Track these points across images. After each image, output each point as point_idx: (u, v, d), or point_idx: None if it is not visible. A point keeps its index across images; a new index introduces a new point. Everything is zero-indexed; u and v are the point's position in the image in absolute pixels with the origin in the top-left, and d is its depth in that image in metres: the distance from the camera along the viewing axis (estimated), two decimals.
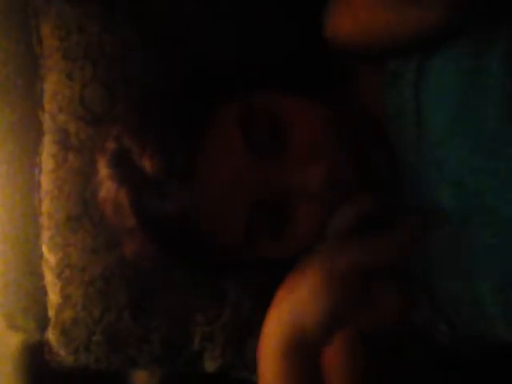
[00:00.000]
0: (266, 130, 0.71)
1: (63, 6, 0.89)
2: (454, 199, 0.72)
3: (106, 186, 0.74)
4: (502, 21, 0.72)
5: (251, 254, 0.75)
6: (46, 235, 0.91)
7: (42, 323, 0.95)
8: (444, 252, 0.72)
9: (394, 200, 0.74)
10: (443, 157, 0.72)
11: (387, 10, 0.72)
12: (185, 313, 0.89)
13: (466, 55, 0.72)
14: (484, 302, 0.70)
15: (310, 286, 0.69)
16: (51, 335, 0.92)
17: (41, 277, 0.93)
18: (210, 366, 0.90)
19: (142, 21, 0.87)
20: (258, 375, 0.74)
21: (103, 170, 0.75)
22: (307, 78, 0.80)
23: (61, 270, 0.90)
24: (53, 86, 0.90)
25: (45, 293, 0.93)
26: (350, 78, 0.82)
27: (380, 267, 0.69)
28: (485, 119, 0.70)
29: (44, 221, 0.91)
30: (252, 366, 0.85)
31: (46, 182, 0.90)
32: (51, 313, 0.93)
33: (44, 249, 0.91)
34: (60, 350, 0.92)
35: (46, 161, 0.90)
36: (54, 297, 0.92)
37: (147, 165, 0.70)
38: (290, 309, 0.71)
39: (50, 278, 0.92)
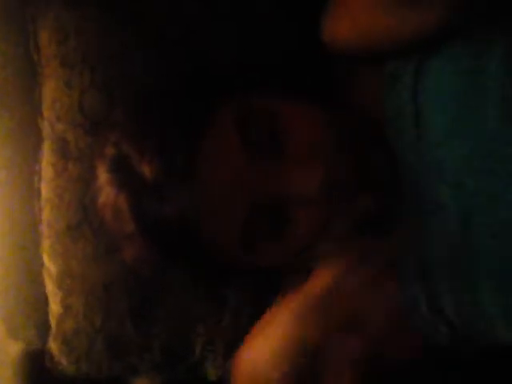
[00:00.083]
0: (266, 130, 0.72)
1: (61, 9, 0.89)
2: (454, 199, 0.72)
3: (106, 191, 0.75)
4: (502, 21, 0.73)
5: (251, 256, 0.75)
6: (46, 244, 0.91)
7: (43, 331, 0.95)
8: (444, 252, 0.72)
9: (394, 200, 0.74)
10: (443, 157, 0.73)
11: (387, 13, 0.73)
12: (185, 320, 0.89)
13: (465, 56, 0.72)
14: (484, 302, 0.70)
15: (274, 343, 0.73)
16: (53, 345, 0.93)
17: (41, 284, 0.93)
18: (212, 374, 0.90)
19: (141, 21, 0.88)
20: None
21: (102, 176, 0.75)
22: (307, 78, 0.81)
23: (61, 279, 0.90)
24: (51, 93, 0.90)
25: (45, 300, 0.93)
26: (350, 79, 0.82)
27: None
28: (484, 119, 0.70)
29: (44, 229, 0.91)
30: None
31: (45, 190, 0.91)
32: (52, 322, 0.93)
33: (44, 257, 0.92)
34: (61, 359, 0.92)
35: (46, 169, 0.90)
36: (55, 307, 0.92)
37: (146, 169, 0.70)
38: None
39: (50, 288, 0.92)
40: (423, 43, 0.73)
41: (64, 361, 0.92)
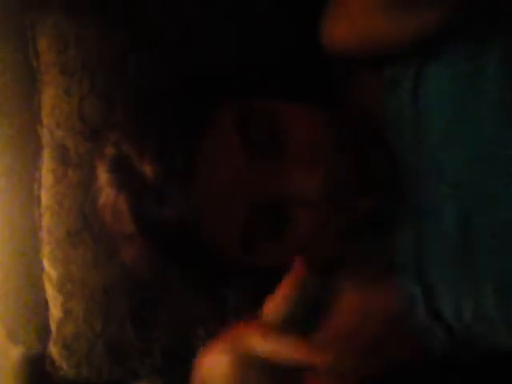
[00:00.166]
0: (266, 130, 0.72)
1: (60, 16, 0.89)
2: (454, 199, 0.72)
3: (106, 192, 0.75)
4: (501, 21, 0.73)
5: (251, 256, 0.75)
6: (46, 249, 0.92)
7: (43, 335, 0.96)
8: (444, 252, 0.72)
9: (394, 200, 0.75)
10: (442, 159, 0.73)
11: (386, 14, 0.73)
12: (186, 322, 0.89)
13: (464, 59, 0.73)
14: (484, 303, 0.70)
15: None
16: (53, 349, 0.93)
17: (41, 289, 0.94)
18: None
19: (140, 24, 0.88)
20: None
21: (102, 176, 0.75)
22: (307, 78, 0.81)
23: (62, 284, 0.91)
24: (50, 100, 0.91)
25: (45, 305, 0.94)
26: (350, 79, 0.83)
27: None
28: (482, 122, 0.71)
29: (44, 235, 0.92)
30: None
31: (45, 196, 0.91)
32: (53, 327, 0.93)
33: (45, 262, 0.92)
34: (62, 364, 0.93)
35: (46, 176, 0.91)
36: (55, 311, 0.92)
37: (147, 168, 0.70)
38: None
39: (51, 293, 0.92)
40: (423, 45, 0.74)
41: (64, 365, 0.92)
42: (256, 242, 0.73)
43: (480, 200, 0.71)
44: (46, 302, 0.94)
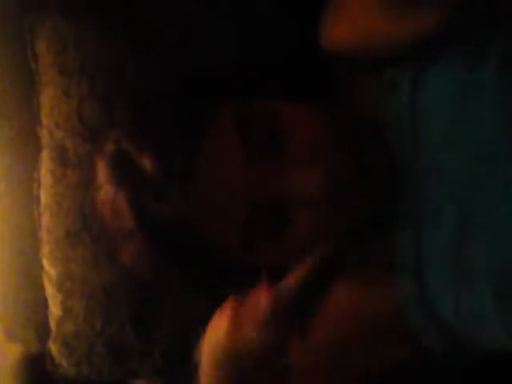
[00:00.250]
0: (266, 130, 0.72)
1: (58, 18, 0.90)
2: (454, 201, 0.72)
3: (105, 188, 0.75)
4: (501, 22, 0.73)
5: (251, 256, 0.75)
6: (45, 249, 0.92)
7: (42, 334, 0.96)
8: (443, 253, 0.72)
9: (394, 200, 0.75)
10: (442, 159, 0.73)
11: (386, 15, 0.73)
12: (186, 322, 0.90)
13: (463, 60, 0.73)
14: (483, 304, 0.70)
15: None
16: (53, 347, 0.93)
17: (41, 288, 0.94)
18: None
19: (139, 26, 0.89)
20: None
21: (102, 173, 0.76)
22: (307, 78, 0.81)
23: (61, 282, 0.92)
24: (49, 101, 0.91)
25: (45, 303, 0.94)
26: (350, 79, 0.83)
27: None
28: (482, 122, 0.71)
29: (43, 235, 0.92)
30: None
31: (44, 197, 0.92)
32: (52, 325, 0.94)
33: (44, 262, 0.93)
34: (62, 362, 0.93)
35: (45, 176, 0.92)
36: (54, 309, 0.93)
37: (146, 164, 0.70)
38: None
39: (50, 291, 0.93)
40: (423, 45, 0.74)
41: (64, 363, 0.93)
42: (256, 242, 0.73)
43: (480, 200, 0.71)
44: (46, 301, 0.94)
